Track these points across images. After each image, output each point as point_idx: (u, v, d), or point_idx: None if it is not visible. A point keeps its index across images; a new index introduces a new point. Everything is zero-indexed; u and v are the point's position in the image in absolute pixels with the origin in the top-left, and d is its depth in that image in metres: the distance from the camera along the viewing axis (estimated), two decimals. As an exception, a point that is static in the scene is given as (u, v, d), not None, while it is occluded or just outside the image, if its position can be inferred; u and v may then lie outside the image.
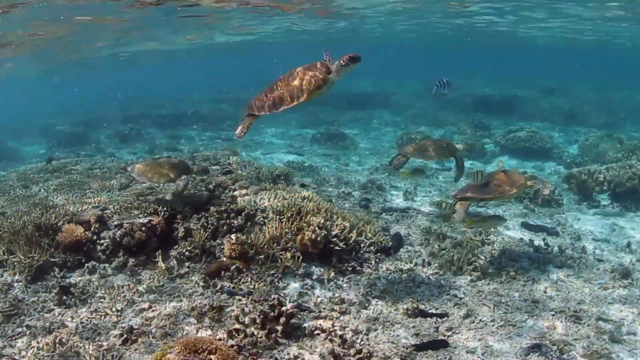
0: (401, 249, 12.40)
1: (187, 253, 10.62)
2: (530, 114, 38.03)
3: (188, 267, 10.49)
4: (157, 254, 10.59)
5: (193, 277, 10.18)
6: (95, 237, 11.01)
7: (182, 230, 10.96)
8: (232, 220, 11.09)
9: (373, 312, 9.29)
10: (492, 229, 13.64)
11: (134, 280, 10.22)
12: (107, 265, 10.72)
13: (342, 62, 8.31)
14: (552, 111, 38.19)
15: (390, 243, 12.19)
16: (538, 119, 36.90)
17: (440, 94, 17.98)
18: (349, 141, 30.91)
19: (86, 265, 10.66)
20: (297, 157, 27.18)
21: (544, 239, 13.56)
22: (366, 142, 32.19)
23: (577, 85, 48.11)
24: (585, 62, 70.65)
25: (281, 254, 10.38)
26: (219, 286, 9.71)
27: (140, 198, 12.22)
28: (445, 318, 9.31)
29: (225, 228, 11.01)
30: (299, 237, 10.58)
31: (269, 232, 10.66)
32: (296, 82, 8.33)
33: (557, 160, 25.62)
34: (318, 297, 9.66)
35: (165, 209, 11.32)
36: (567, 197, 18.25)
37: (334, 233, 11.03)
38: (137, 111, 43.03)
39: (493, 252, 12.40)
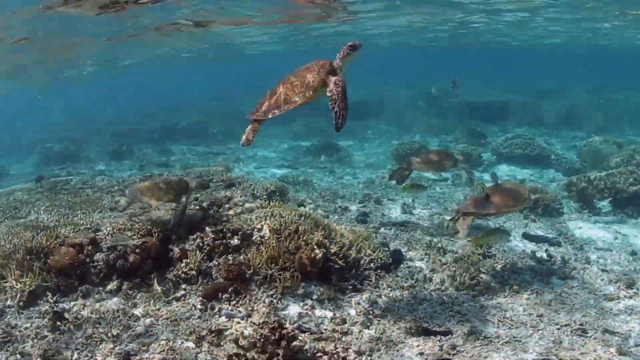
0: (401, 265, 12.37)
1: (183, 275, 10.55)
2: (526, 119, 38.25)
3: (184, 289, 10.42)
4: (152, 276, 10.56)
5: (190, 300, 10.11)
6: (88, 260, 10.92)
7: (178, 251, 10.90)
8: (228, 240, 11.01)
9: (375, 332, 9.25)
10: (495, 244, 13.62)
11: (130, 304, 10.14)
12: (101, 288, 10.65)
13: (342, 53, 8.39)
14: (549, 115, 38.42)
15: (390, 259, 12.15)
16: (534, 124, 37.12)
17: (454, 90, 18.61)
18: (344, 153, 30.91)
19: (79, 289, 10.58)
20: (291, 170, 27.14)
21: (546, 250, 13.61)
22: (361, 153, 32.26)
23: (572, 88, 48.30)
24: (581, 64, 70.85)
25: (279, 274, 10.29)
26: (217, 308, 9.67)
27: (134, 219, 12.16)
28: (449, 336, 9.27)
29: (221, 248, 10.92)
30: (297, 256, 10.49)
31: (266, 252, 10.58)
32: (298, 82, 8.29)
33: (555, 167, 25.69)
34: (319, 317, 9.61)
35: (159, 229, 11.27)
36: (568, 205, 18.28)
37: (332, 251, 10.98)
38: (127, 126, 43.01)
39: (495, 265, 12.37)
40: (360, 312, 9.90)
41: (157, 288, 10.29)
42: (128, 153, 34.15)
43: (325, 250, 10.76)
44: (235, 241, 11.05)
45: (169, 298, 10.21)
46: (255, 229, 11.40)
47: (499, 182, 11.83)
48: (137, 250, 10.74)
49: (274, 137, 37.17)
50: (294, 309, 9.80)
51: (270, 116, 8.32)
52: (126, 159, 33.13)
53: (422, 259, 12.93)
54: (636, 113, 38.00)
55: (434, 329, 9.44)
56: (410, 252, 13.36)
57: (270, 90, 8.56)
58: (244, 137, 8.80)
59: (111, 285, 10.60)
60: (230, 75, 77.26)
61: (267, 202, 13.57)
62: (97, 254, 10.97)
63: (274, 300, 9.91)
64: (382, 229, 15.43)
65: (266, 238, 11.09)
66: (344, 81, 8.23)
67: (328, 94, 8.18)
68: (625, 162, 21.04)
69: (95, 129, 44.65)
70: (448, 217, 11.43)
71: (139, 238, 11.04)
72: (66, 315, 9.68)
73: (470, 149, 27.07)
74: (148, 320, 9.52)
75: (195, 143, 36.91)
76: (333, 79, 8.19)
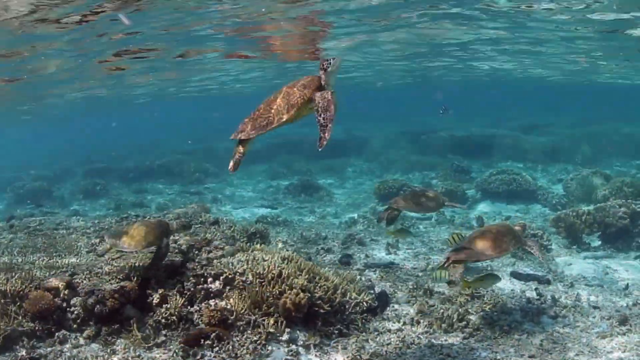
0: (388, 308, 12.37)
1: (163, 320, 10.47)
2: (510, 154, 38.50)
3: (165, 335, 10.33)
4: (131, 322, 10.47)
5: (171, 346, 10.02)
6: (65, 305, 10.83)
7: (157, 296, 10.81)
8: (209, 285, 10.96)
9: (364, 377, 9.24)
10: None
11: (108, 351, 10.03)
12: (78, 334, 10.56)
13: (322, 66, 8.07)
14: (533, 150, 38.64)
15: (376, 302, 12.14)
16: (519, 158, 37.40)
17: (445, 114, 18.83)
18: (324, 192, 31.02)
19: (56, 334, 10.48)
20: (270, 210, 27.16)
21: (536, 289, 13.63)
22: (342, 192, 32.35)
23: (557, 121, 48.77)
24: (564, 97, 71.65)
25: (263, 320, 10.26)
26: (199, 355, 9.60)
27: (112, 262, 12.08)
28: (440, 380, 9.28)
29: (202, 293, 10.86)
30: (281, 301, 10.44)
31: (249, 297, 10.54)
32: (283, 99, 7.98)
33: (542, 202, 25.79)
34: (305, 363, 9.59)
35: (138, 274, 11.19)
36: (556, 241, 18.37)
37: (317, 295, 10.93)
38: (101, 164, 42.94)
39: (484, 306, 12.38)
40: (347, 357, 9.88)
41: (137, 334, 10.21)
42: (103, 192, 34.06)
43: (309, 295, 10.72)
44: (217, 285, 10.97)
45: (150, 344, 10.11)
46: (238, 273, 11.33)
47: (484, 224, 11.88)
48: (116, 295, 10.65)
49: (252, 176, 37.25)
50: (279, 355, 9.75)
51: (255, 134, 7.92)
52: (101, 199, 33.02)
53: (408, 302, 12.94)
54: (622, 144, 38.41)
55: (423, 373, 9.44)
56: (396, 294, 13.37)
57: (253, 110, 8.27)
58: (231, 162, 8.31)
59: (89, 331, 10.50)
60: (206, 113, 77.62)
61: (247, 244, 13.54)
62: (74, 298, 10.88)
63: (258, 346, 9.85)
64: (366, 271, 15.46)
65: (249, 282, 11.04)
66: (331, 92, 7.94)
67: (314, 107, 7.88)
68: (613, 195, 21.19)
69: (66, 168, 44.52)
70: (437, 269, 11.38)
71: (117, 282, 10.96)
72: (43, 362, 9.61)
73: (455, 186, 27.15)
74: (128, 368, 9.45)
75: (171, 182, 36.94)
76: (319, 93, 7.93)
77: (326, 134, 7.57)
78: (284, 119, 7.81)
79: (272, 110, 7.86)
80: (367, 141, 44.75)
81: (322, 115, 7.63)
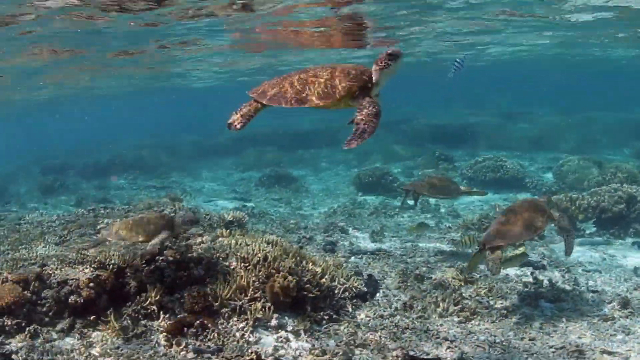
0: (378, 294, 12.47)
1: (142, 310, 10.44)
2: (494, 142, 38.66)
3: (145, 325, 10.30)
4: (108, 312, 10.45)
5: (152, 337, 10.01)
6: (35, 298, 10.80)
7: (135, 284, 10.81)
8: (191, 271, 10.97)
9: (359, 363, 9.33)
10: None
11: (85, 343, 10.00)
12: (51, 328, 10.52)
13: (380, 64, 7.56)
14: (518, 138, 38.89)
15: (366, 288, 12.24)
16: (503, 147, 37.51)
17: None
18: (299, 183, 31.12)
19: (27, 329, 10.44)
20: (243, 203, 27.12)
21: (532, 273, 13.80)
22: (317, 183, 32.45)
23: (541, 109, 49.01)
24: (549, 82, 72.08)
25: (250, 305, 10.31)
26: (183, 344, 9.62)
27: (84, 252, 12.02)
28: (440, 363, 9.39)
29: (184, 280, 10.86)
30: (268, 285, 10.49)
31: (234, 282, 10.59)
32: (324, 82, 7.50)
33: (531, 190, 25.98)
34: (296, 349, 9.62)
35: (113, 262, 11.13)
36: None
37: (305, 279, 11.00)
38: (58, 160, 42.68)
39: (479, 290, 12.54)
40: (340, 342, 9.95)
41: (115, 325, 10.20)
42: (62, 189, 33.80)
43: (298, 279, 10.79)
44: (199, 271, 10.98)
45: (129, 335, 10.10)
46: (220, 258, 11.38)
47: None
48: (91, 284, 10.61)
49: (222, 168, 37.28)
50: (268, 342, 9.81)
51: (276, 104, 7.55)
52: (61, 195, 32.75)
53: (399, 287, 13.07)
54: (612, 132, 38.74)
55: (422, 357, 9.54)
56: (385, 280, 13.49)
57: (283, 76, 7.84)
58: (234, 116, 7.84)
59: (63, 324, 10.47)
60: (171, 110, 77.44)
61: (227, 231, 13.59)
62: (46, 290, 10.84)
63: (246, 333, 9.89)
64: (352, 258, 15.58)
65: (233, 267, 11.08)
66: (379, 102, 7.54)
67: (357, 113, 7.41)
68: (607, 181, 21.42)
69: (21, 165, 44.23)
70: (472, 259, 11.43)
71: (91, 271, 10.92)
72: (14, 357, 9.58)
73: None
74: (108, 360, 9.45)
75: (135, 177, 36.75)
76: (368, 99, 7.49)
77: (359, 141, 7.16)
78: (315, 104, 7.48)
79: (307, 90, 7.50)
80: (340, 131, 44.60)
81: (364, 125, 7.26)
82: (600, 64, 50.20)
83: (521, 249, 12.57)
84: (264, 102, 7.60)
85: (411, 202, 15.73)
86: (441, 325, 10.99)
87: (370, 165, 33.07)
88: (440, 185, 14.10)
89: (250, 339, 9.77)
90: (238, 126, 7.73)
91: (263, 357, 8.99)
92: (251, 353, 8.09)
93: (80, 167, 40.04)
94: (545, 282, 13.12)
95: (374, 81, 7.56)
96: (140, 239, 10.61)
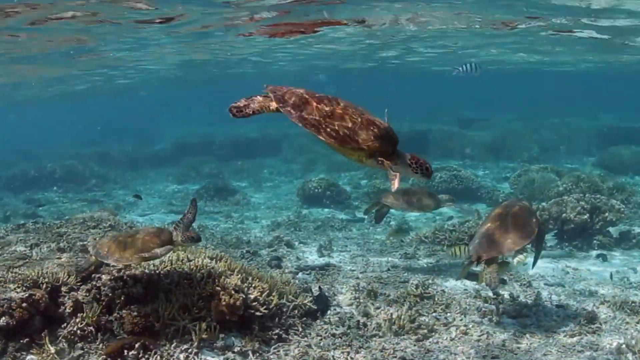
0: (328, 311, 12.47)
1: (79, 332, 10.30)
2: (448, 151, 39.03)
3: (82, 348, 10.17)
4: (43, 334, 10.29)
5: (90, 360, 9.94)
6: (-40, 320, 10.62)
7: (70, 304, 10.67)
8: (130, 289, 10.85)
9: (312, 384, 9.32)
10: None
11: (18, 369, 9.91)
12: (-22, 353, 10.36)
13: (413, 163, 8.08)
14: (474, 146, 39.19)
15: (315, 305, 12.23)
16: (458, 156, 37.85)
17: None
18: (240, 196, 31.04)
19: (-49, 354, 10.28)
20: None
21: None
22: (259, 195, 32.43)
23: (498, 116, 49.57)
24: (507, 89, 73.00)
25: (194, 325, 10.24)
26: (123, 367, 9.53)
27: (14, 270, 11.80)
28: (397, 384, 9.42)
29: (122, 299, 10.72)
30: (213, 303, 10.43)
31: (176, 300, 10.50)
32: (341, 122, 7.45)
33: (487, 202, 26.20)
34: (244, 372, 9.62)
35: (47, 280, 10.96)
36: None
37: (252, 297, 10.94)
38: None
39: (435, 307, 12.61)
40: (291, 363, 9.94)
41: (50, 348, 10.05)
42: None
43: (244, 296, 10.74)
44: (138, 289, 10.88)
45: (65, 359, 9.98)
46: (161, 275, 11.29)
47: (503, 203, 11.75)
48: (24, 305, 10.43)
49: (157, 180, 37.07)
50: (213, 364, 9.78)
51: (294, 119, 7.52)
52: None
53: (351, 304, 13.07)
54: (572, 140, 39.28)
55: (378, 377, 9.57)
56: (336, 297, 13.50)
57: (311, 92, 7.74)
58: (241, 101, 7.77)
59: (-8, 348, 10.31)
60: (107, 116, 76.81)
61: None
62: (-28, 311, 10.66)
63: (190, 355, 9.83)
64: (300, 274, 15.54)
65: (174, 284, 11.00)
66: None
67: (380, 167, 7.79)
68: (569, 191, 21.64)
69: None
70: (464, 269, 11.47)
71: (23, 291, 10.73)
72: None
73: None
74: (41, 387, 9.33)
75: (66, 190, 36.32)
76: (395, 171, 7.72)
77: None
78: (325, 140, 7.45)
79: (324, 121, 7.44)
80: (284, 140, 44.76)
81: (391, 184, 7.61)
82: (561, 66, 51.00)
83: (522, 256, 12.63)
84: (278, 108, 7.66)
85: (378, 214, 15.68)
86: (397, 343, 11.01)
87: (315, 176, 33.03)
88: (417, 200, 14.11)
89: (196, 361, 9.74)
90: (245, 112, 7.71)
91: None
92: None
93: (6, 179, 39.35)
94: (506, 297, 13.24)
95: (397, 163, 7.83)
96: (137, 259, 10.07)
